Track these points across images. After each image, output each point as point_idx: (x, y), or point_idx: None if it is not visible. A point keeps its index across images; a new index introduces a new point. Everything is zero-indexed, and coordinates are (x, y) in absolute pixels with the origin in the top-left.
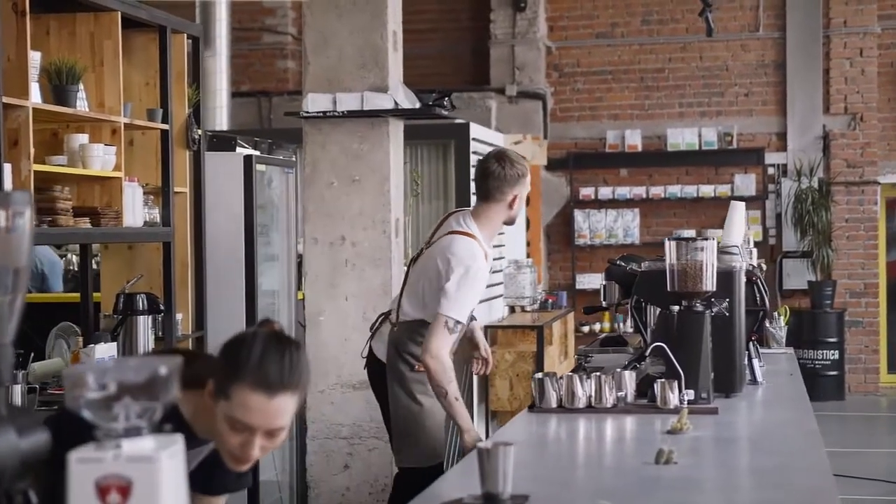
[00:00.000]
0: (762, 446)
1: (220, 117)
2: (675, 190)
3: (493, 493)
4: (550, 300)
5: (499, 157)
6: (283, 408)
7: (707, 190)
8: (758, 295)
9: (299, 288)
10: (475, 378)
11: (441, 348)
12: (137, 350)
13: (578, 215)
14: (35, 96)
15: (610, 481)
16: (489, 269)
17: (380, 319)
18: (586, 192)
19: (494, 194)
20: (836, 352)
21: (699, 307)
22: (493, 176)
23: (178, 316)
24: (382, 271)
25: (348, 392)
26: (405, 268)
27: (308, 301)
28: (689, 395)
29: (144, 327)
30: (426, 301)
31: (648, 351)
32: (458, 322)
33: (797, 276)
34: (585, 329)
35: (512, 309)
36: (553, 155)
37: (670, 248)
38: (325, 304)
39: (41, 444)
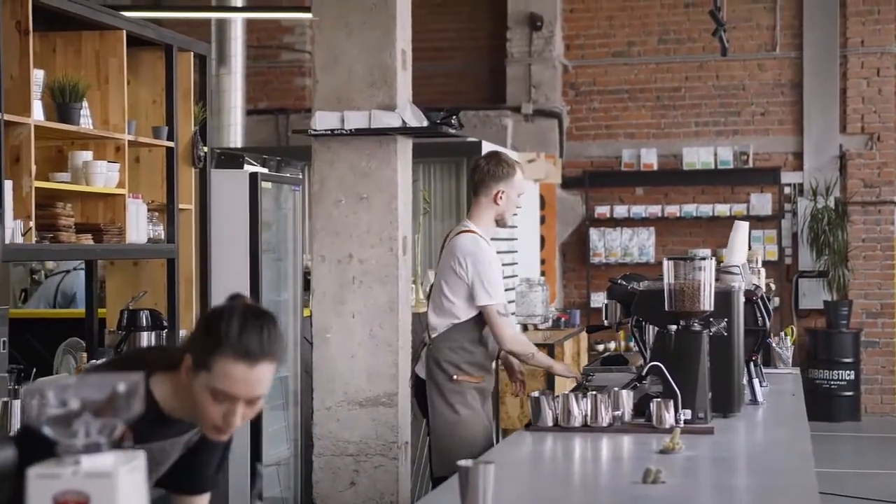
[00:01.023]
0: (752, 466)
1: (234, 134)
2: (690, 209)
3: None
4: (563, 319)
5: (488, 155)
6: (264, 376)
7: (723, 209)
8: (759, 315)
9: (306, 305)
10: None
11: (511, 332)
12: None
13: (594, 234)
14: (37, 114)
15: (594, 500)
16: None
17: (420, 348)
18: (602, 210)
19: (481, 188)
20: (852, 372)
21: (697, 327)
22: (480, 171)
23: (183, 332)
24: (389, 289)
25: (355, 409)
26: (413, 286)
27: (315, 318)
28: (686, 414)
29: (148, 343)
30: (451, 304)
31: (646, 370)
32: (504, 304)
33: (813, 295)
34: (600, 347)
35: (525, 327)
36: (569, 173)
37: (668, 267)
38: (333, 321)
39: (6, 460)
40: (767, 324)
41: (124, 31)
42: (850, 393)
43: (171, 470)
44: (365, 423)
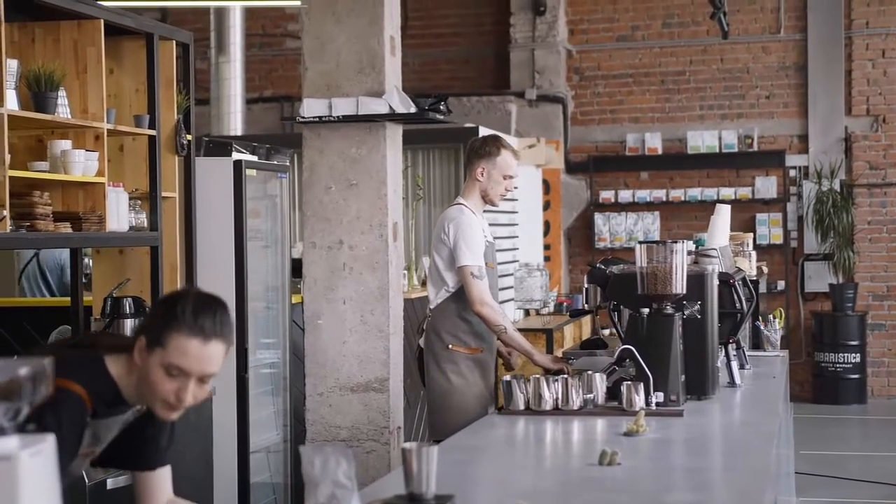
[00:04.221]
0: (712, 448)
1: (234, 122)
2: (695, 193)
3: (416, 493)
4: (566, 304)
5: (484, 136)
6: (216, 354)
7: (728, 193)
8: (736, 298)
9: (295, 291)
10: None
11: (482, 294)
12: None
13: (598, 218)
14: (11, 103)
15: (545, 482)
16: (483, 230)
17: (423, 321)
18: (606, 195)
19: (468, 165)
20: (858, 355)
21: (669, 310)
22: (469, 148)
23: None
24: (380, 275)
25: (346, 395)
26: (406, 272)
27: (306, 305)
28: (659, 397)
29: (132, 331)
30: (442, 273)
31: (617, 353)
32: (479, 267)
33: (819, 278)
34: (606, 332)
35: (527, 312)
36: (573, 158)
37: (640, 251)
38: (324, 308)
39: None
40: (745, 307)
41: (102, 21)
42: (856, 376)
43: (120, 449)
44: (357, 409)
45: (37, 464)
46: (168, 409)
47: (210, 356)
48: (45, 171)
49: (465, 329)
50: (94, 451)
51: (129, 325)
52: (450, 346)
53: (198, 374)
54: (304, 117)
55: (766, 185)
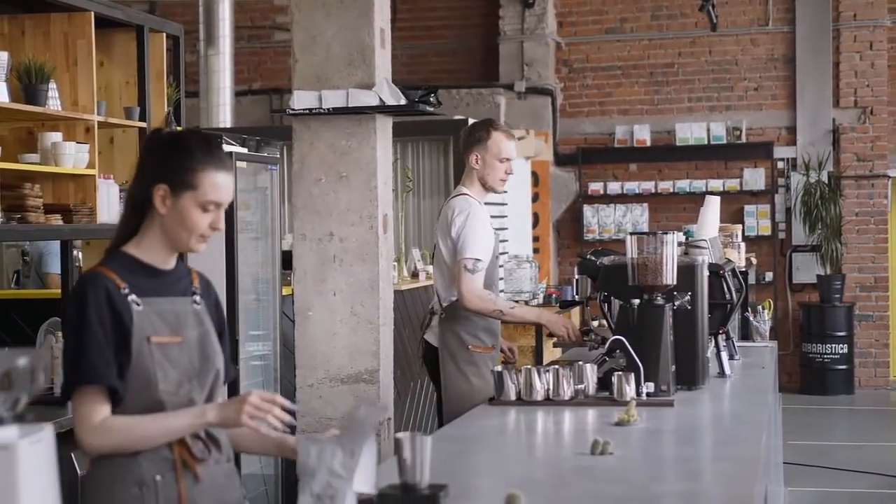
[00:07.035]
0: (702, 438)
1: (223, 115)
2: (684, 185)
3: (410, 483)
4: (555, 295)
5: (474, 123)
6: (232, 180)
7: (716, 184)
8: (726, 289)
9: (285, 283)
10: None
11: (471, 290)
12: None
13: (587, 210)
14: (2, 95)
15: (537, 471)
16: (488, 219)
17: (427, 316)
18: (595, 187)
19: (463, 156)
20: (846, 346)
21: (660, 300)
22: (460, 140)
23: None
24: (370, 266)
25: (337, 386)
26: (395, 264)
27: (296, 297)
28: (649, 387)
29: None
30: (451, 269)
31: (608, 344)
32: (476, 260)
33: (806, 269)
34: (595, 323)
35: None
36: (562, 150)
37: (631, 242)
38: (314, 300)
39: None
40: (734, 298)
41: (92, 13)
42: (843, 366)
43: None
44: (347, 400)
45: (37, 452)
46: (202, 241)
47: (231, 184)
48: (35, 164)
49: (483, 326)
50: (178, 339)
51: None
52: (469, 346)
53: (227, 202)
54: (294, 109)
55: (755, 177)
